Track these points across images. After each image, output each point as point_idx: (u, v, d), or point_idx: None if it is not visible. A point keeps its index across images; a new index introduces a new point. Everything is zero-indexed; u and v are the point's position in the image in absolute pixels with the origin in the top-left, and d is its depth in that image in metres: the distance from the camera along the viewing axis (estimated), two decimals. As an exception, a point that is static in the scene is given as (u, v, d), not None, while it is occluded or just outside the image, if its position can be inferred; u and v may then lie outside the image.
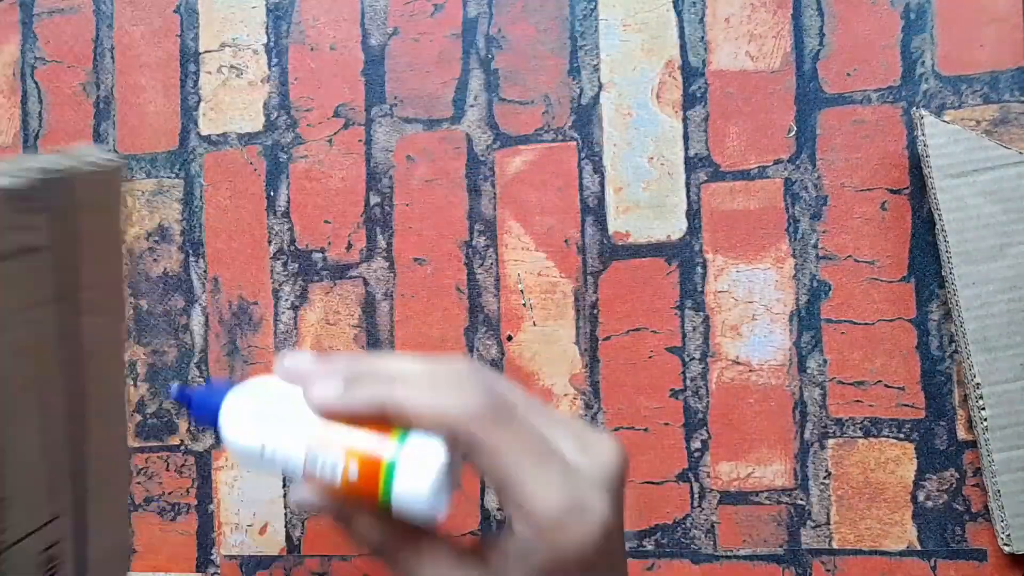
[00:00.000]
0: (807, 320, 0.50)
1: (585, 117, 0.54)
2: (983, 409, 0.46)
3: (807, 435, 0.50)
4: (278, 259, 0.56)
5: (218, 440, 0.32)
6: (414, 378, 0.24)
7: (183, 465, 0.56)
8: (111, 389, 0.44)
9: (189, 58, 0.58)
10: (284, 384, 0.25)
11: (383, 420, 0.24)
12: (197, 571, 0.56)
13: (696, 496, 0.51)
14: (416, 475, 0.23)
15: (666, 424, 0.52)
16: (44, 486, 0.42)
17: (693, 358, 0.51)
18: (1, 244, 0.35)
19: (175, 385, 0.34)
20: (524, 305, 0.54)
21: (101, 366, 0.42)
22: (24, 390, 0.38)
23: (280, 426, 0.24)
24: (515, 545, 0.24)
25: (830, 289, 0.50)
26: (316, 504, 0.25)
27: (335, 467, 0.24)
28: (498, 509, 0.54)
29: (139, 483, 0.56)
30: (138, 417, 0.57)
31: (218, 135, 0.57)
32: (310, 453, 0.24)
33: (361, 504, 0.24)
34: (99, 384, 0.42)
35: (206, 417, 0.26)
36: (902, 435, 0.49)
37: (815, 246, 0.50)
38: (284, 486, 0.55)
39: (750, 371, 0.51)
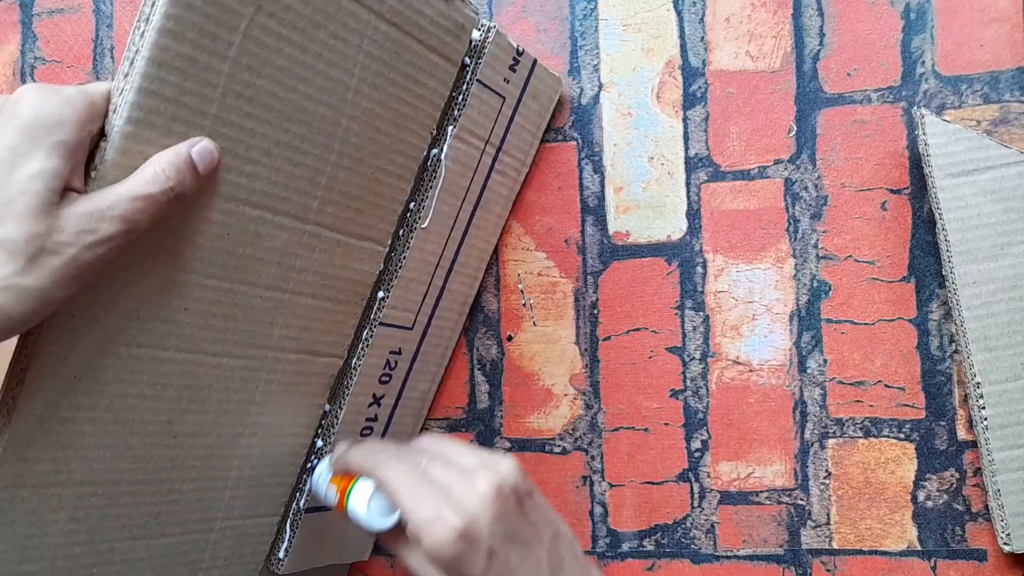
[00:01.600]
0: (807, 320, 0.50)
1: (585, 117, 0.54)
2: (983, 408, 0.46)
3: (807, 435, 0.50)
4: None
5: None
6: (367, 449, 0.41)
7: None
8: (486, 241, 0.53)
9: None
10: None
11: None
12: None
13: (696, 496, 0.51)
14: (355, 502, 0.39)
15: (666, 424, 0.52)
16: (419, 288, 0.50)
17: (693, 358, 0.51)
18: (488, 77, 0.47)
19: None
20: (524, 305, 0.54)
21: (487, 217, 0.52)
22: (450, 193, 0.48)
23: (326, 483, 0.43)
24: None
25: (830, 289, 0.50)
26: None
27: (334, 497, 0.42)
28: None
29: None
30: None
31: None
32: (328, 491, 0.42)
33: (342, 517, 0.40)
34: (479, 229, 0.52)
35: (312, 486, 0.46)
36: (902, 435, 0.49)
37: (815, 246, 0.50)
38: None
39: (750, 371, 0.51)
